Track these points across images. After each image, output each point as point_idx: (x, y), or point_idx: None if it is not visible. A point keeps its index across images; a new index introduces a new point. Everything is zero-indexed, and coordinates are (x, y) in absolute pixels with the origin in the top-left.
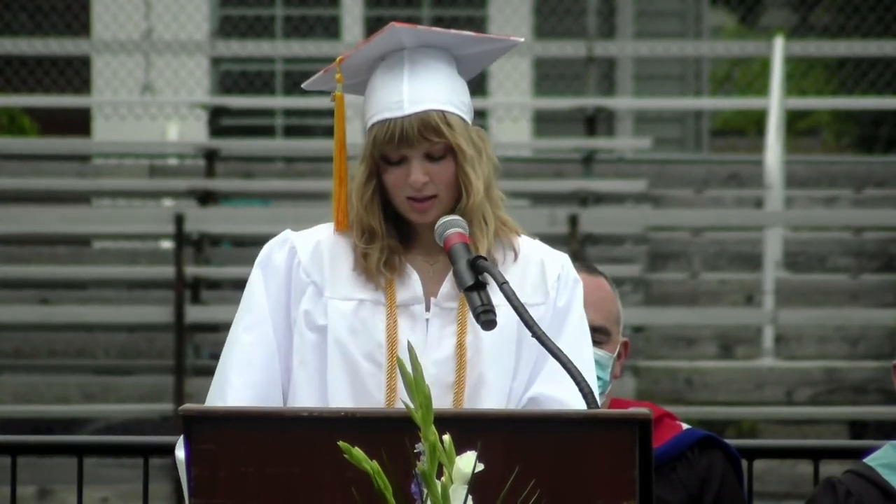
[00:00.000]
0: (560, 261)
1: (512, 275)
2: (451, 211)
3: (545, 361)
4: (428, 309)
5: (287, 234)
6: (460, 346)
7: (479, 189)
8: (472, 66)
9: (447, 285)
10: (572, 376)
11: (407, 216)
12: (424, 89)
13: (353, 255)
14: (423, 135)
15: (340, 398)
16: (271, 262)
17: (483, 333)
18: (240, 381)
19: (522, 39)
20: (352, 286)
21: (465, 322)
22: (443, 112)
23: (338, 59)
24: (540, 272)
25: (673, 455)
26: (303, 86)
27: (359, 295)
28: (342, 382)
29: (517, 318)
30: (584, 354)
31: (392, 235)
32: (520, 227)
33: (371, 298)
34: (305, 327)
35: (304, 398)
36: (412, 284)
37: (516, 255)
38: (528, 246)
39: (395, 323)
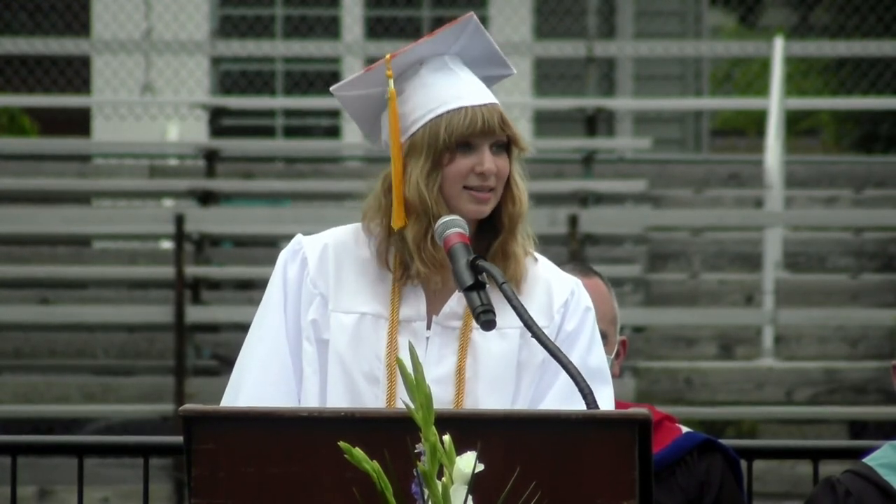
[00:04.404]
0: (570, 286)
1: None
2: (494, 215)
3: (549, 387)
4: (429, 327)
5: (299, 243)
6: (459, 370)
7: (525, 192)
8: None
9: (451, 304)
10: (570, 374)
11: (462, 207)
12: (481, 86)
13: (365, 260)
14: (500, 124)
15: None
16: (287, 274)
17: (483, 357)
18: (254, 386)
19: (514, 71)
20: (356, 298)
21: (465, 344)
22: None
23: (387, 57)
24: (546, 295)
25: (672, 460)
26: (332, 89)
27: (362, 308)
28: (340, 396)
29: (518, 343)
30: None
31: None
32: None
33: (374, 312)
34: (313, 336)
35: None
36: (416, 301)
37: (524, 277)
38: (537, 267)
39: (395, 339)
